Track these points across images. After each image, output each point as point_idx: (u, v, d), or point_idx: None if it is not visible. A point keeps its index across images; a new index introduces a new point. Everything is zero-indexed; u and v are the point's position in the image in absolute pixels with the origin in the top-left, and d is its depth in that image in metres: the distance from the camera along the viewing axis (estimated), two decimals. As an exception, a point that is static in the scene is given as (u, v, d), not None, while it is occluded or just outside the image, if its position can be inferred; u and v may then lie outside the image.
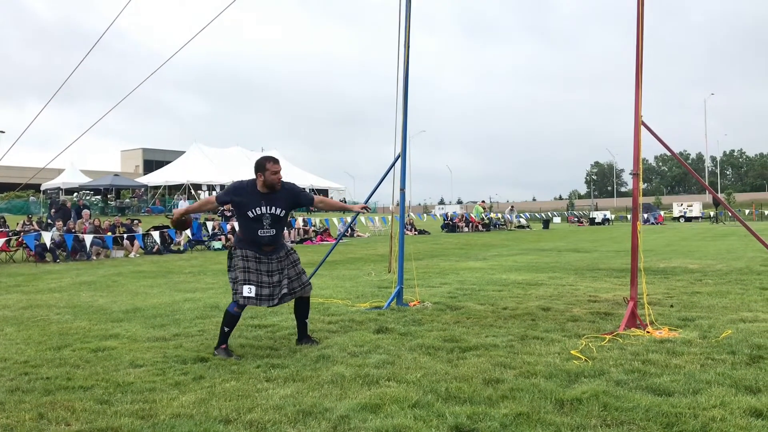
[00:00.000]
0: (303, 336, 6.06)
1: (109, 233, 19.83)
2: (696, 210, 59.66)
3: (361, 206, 6.70)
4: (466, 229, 36.96)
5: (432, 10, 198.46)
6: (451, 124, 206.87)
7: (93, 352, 5.77)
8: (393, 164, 8.67)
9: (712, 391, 4.25)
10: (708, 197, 75.80)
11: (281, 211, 5.82)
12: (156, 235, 20.38)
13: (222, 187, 50.08)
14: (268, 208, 5.73)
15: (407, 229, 29.59)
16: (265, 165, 5.73)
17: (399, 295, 8.34)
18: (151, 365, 5.28)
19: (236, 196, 5.79)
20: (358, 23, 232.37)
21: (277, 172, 5.74)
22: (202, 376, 4.92)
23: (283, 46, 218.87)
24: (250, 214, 5.70)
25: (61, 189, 48.25)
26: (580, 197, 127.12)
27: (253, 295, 5.59)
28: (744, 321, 6.81)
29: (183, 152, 60.06)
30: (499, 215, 44.73)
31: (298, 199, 6.02)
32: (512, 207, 50.72)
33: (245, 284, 5.60)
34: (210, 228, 22.89)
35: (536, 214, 58.41)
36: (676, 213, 60.63)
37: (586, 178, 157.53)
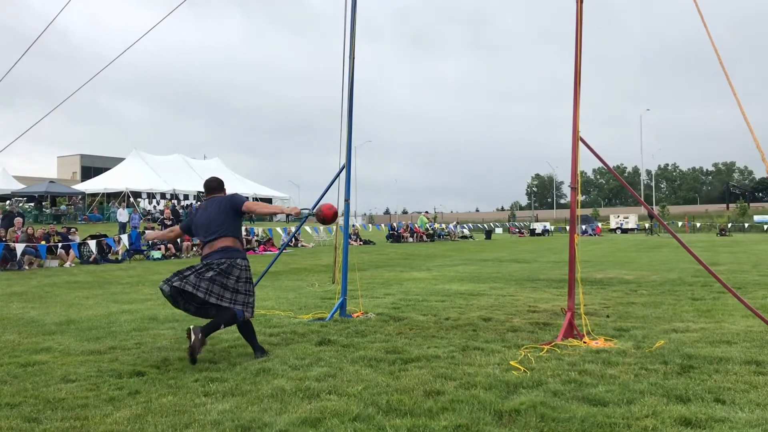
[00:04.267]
0: (256, 348, 6.01)
1: (43, 242, 19.13)
2: (632, 222, 61.70)
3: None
4: (410, 239, 37.18)
5: (377, 20, 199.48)
6: (396, 134, 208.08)
7: (22, 367, 5.55)
8: (338, 174, 8.66)
9: (645, 401, 4.37)
10: (644, 210, 78.31)
11: None
12: (93, 244, 19.79)
13: (162, 195, 49.09)
14: None
15: (352, 240, 29.54)
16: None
17: (342, 306, 8.31)
18: (85, 380, 5.11)
19: None
20: (302, 32, 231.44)
21: None
22: (138, 390, 4.79)
23: (227, 54, 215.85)
24: None
25: (-8, 195, 46.34)
26: (522, 208, 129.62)
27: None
28: (676, 331, 7.05)
29: (123, 159, 58.67)
30: (443, 226, 45.22)
31: None
32: (457, 222, 51.73)
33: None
34: (150, 237, 22.39)
35: (479, 225, 59.24)
36: (613, 225, 62.53)
37: (527, 190, 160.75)
